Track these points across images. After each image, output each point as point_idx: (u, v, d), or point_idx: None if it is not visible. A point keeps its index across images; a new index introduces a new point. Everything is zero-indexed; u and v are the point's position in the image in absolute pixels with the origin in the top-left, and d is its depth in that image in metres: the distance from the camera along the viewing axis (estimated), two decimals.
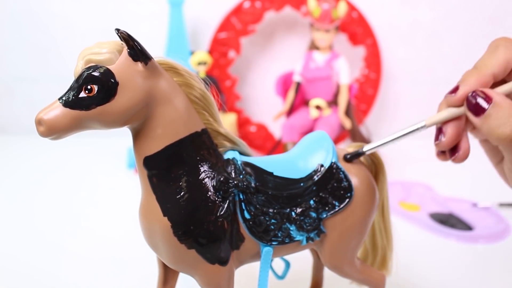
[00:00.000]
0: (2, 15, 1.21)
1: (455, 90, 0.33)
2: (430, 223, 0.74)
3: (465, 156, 0.35)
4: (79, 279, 0.59)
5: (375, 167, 0.46)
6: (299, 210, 0.39)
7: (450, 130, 0.35)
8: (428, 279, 0.59)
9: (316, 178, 0.40)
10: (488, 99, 0.31)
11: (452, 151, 0.36)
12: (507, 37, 0.34)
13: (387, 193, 0.46)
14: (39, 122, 0.31)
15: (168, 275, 0.42)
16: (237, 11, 1.08)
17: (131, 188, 0.80)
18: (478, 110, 0.32)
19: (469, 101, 0.32)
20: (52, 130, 0.31)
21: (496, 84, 0.34)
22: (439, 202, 0.82)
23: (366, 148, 0.41)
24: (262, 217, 0.38)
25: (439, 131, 0.35)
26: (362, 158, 0.46)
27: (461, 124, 0.35)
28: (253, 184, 0.37)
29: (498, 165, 0.40)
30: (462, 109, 0.34)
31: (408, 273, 0.60)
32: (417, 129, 0.36)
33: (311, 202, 0.39)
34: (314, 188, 0.40)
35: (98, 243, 0.68)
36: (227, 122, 1.04)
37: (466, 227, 0.73)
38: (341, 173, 0.41)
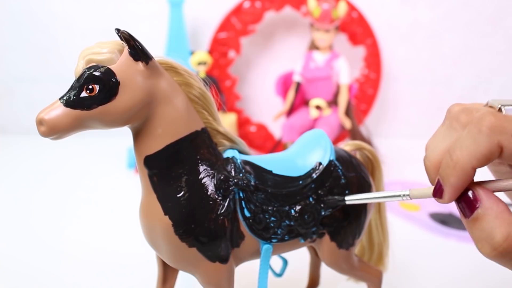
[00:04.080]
0: (2, 15, 1.21)
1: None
2: (430, 223, 0.74)
3: None
4: (79, 278, 0.59)
5: (372, 165, 0.46)
6: (298, 207, 0.39)
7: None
8: (428, 279, 0.59)
9: (314, 176, 0.40)
10: (475, 201, 0.26)
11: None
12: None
13: (383, 190, 0.46)
14: (40, 122, 0.31)
15: (167, 274, 0.42)
16: (237, 11, 1.08)
17: (131, 188, 0.80)
18: (465, 212, 0.26)
19: (457, 202, 0.26)
20: (53, 130, 0.31)
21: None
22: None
23: (347, 198, 0.39)
24: (262, 215, 0.38)
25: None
26: (358, 155, 0.46)
27: None
28: (252, 182, 0.38)
29: None
30: None
31: (408, 273, 0.60)
32: (400, 196, 0.34)
33: (310, 199, 0.40)
34: (313, 185, 0.40)
35: (97, 243, 0.68)
36: (227, 122, 1.04)
37: None
38: (339, 170, 0.41)
